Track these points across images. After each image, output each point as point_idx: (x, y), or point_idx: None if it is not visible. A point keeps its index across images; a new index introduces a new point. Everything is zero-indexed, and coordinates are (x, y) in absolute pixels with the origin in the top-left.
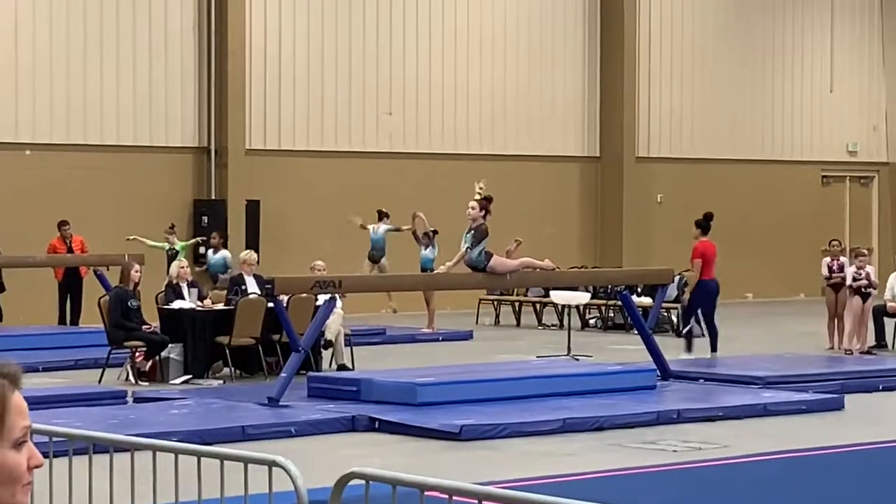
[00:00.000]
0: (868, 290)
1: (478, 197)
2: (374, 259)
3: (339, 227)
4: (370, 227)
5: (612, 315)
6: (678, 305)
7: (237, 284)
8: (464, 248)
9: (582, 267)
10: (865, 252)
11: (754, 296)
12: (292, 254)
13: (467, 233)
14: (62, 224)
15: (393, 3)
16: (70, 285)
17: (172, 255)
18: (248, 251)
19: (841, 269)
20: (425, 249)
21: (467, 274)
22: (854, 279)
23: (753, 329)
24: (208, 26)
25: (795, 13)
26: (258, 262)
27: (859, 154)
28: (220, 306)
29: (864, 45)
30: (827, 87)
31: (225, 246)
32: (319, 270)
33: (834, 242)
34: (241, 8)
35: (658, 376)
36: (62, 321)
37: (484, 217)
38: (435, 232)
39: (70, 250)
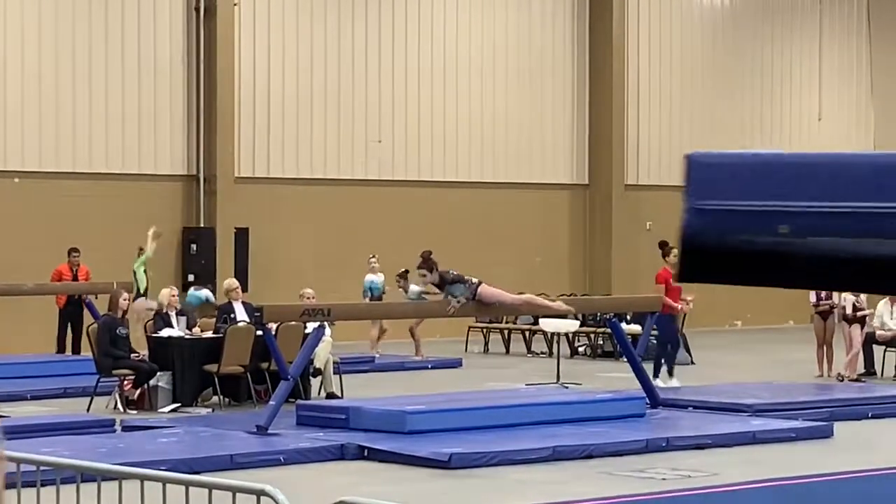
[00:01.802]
0: (864, 318)
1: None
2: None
3: (328, 255)
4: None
5: (601, 343)
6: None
7: (226, 312)
8: (462, 300)
9: (571, 294)
10: None
11: (743, 323)
12: (281, 281)
13: (450, 287)
14: (72, 251)
15: (382, 31)
16: (72, 313)
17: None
18: (230, 279)
19: (829, 296)
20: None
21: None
22: (854, 307)
23: (742, 356)
24: (197, 54)
25: (784, 41)
26: (247, 289)
27: None
28: (209, 334)
29: (853, 72)
30: (815, 115)
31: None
32: (308, 298)
33: None
34: (229, 36)
35: (647, 404)
36: (61, 349)
37: (433, 269)
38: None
39: (76, 278)
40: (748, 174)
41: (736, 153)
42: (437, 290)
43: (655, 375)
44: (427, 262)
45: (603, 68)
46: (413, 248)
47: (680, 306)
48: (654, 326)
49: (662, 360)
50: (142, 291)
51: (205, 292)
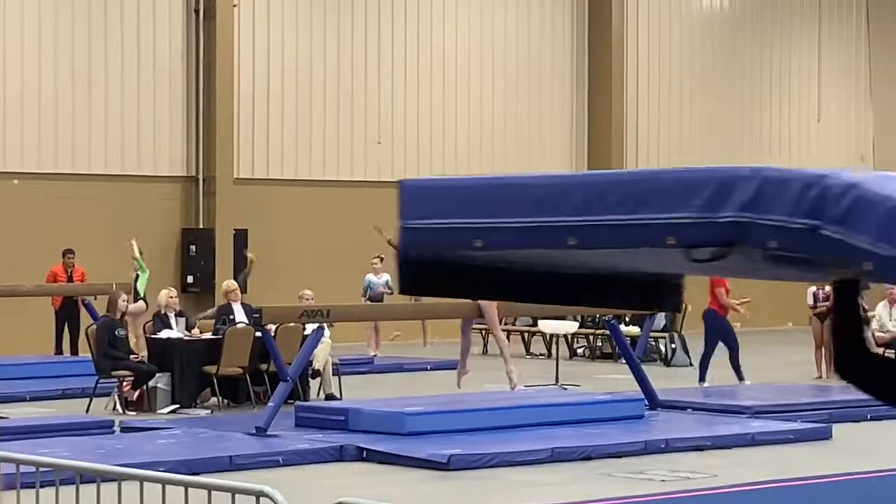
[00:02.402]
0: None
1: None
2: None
3: (327, 257)
4: (372, 273)
5: (600, 344)
6: (666, 335)
7: (225, 314)
8: None
9: None
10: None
11: (742, 325)
12: (280, 283)
13: None
14: (67, 252)
15: (381, 33)
16: (68, 314)
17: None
18: (228, 280)
19: (827, 298)
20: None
21: (455, 303)
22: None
23: (741, 358)
24: (196, 55)
25: (783, 44)
26: (246, 290)
27: None
28: (208, 336)
29: (852, 74)
30: (814, 117)
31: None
32: (307, 300)
33: None
34: (229, 38)
35: (646, 406)
36: (59, 350)
37: None
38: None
39: (70, 279)
40: (450, 196)
41: (443, 178)
42: None
43: (702, 379)
44: None
45: (602, 70)
46: None
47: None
48: (710, 328)
49: (709, 362)
50: (141, 295)
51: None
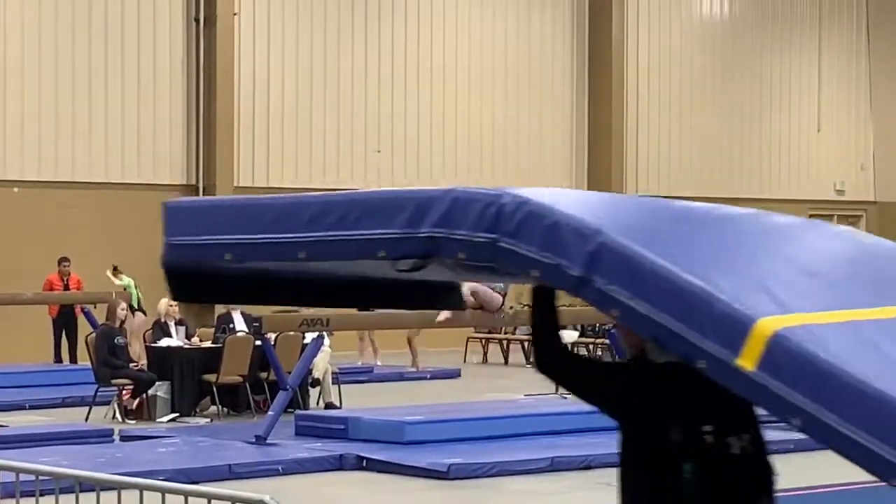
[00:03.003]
0: None
1: None
2: None
3: None
4: None
5: (600, 353)
6: None
7: (225, 322)
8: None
9: (570, 305)
10: None
11: None
12: None
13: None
14: (63, 260)
15: (381, 41)
16: (65, 322)
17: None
18: None
19: None
20: None
21: (455, 312)
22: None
23: None
24: (197, 63)
25: (783, 53)
26: None
27: (847, 193)
28: (208, 344)
29: (852, 84)
30: (815, 127)
31: None
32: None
33: None
34: (229, 46)
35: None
36: (58, 358)
37: None
38: None
39: (66, 287)
40: (205, 215)
41: (202, 199)
42: None
43: None
44: None
45: (602, 78)
46: None
47: None
48: None
49: None
50: (137, 308)
51: None
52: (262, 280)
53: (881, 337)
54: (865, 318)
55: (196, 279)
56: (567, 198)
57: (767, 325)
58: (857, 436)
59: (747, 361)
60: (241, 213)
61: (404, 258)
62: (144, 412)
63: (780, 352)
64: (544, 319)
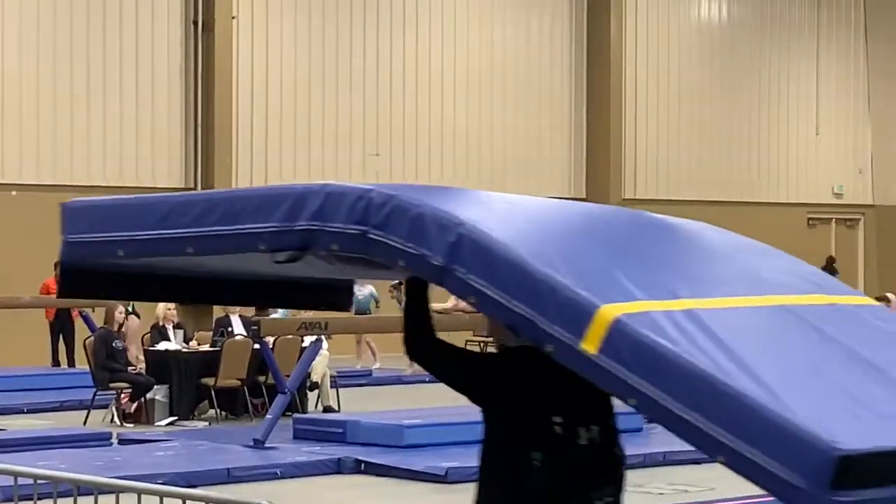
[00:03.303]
0: None
1: None
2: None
3: None
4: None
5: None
6: None
7: (223, 326)
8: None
9: None
10: (889, 297)
11: None
12: None
13: None
14: (58, 264)
15: (380, 45)
16: (62, 326)
17: None
18: None
19: None
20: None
21: (453, 316)
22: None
23: None
24: (195, 67)
25: (782, 57)
26: None
27: (845, 196)
28: (206, 348)
29: (850, 88)
30: (813, 130)
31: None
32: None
33: None
34: (227, 49)
35: (645, 418)
36: (55, 362)
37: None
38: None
39: None
40: (99, 214)
41: (97, 199)
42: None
43: None
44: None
45: (601, 82)
46: None
47: None
48: None
49: None
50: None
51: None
52: (153, 276)
53: (717, 324)
54: (706, 307)
55: (88, 275)
56: (437, 193)
57: (609, 311)
58: (687, 415)
59: (590, 345)
60: (133, 211)
61: (283, 250)
62: (143, 416)
63: (620, 336)
64: (417, 309)
